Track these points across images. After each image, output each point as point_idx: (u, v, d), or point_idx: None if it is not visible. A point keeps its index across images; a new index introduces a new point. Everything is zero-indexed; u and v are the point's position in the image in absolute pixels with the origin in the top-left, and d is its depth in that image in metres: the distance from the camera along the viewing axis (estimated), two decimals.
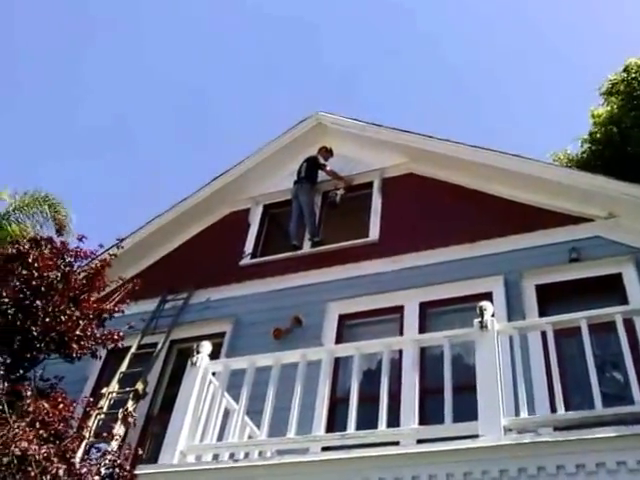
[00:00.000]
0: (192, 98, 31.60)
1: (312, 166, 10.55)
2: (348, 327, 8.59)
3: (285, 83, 32.06)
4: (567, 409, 5.18)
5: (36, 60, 28.56)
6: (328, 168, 10.49)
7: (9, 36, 26.68)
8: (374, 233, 9.58)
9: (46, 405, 5.30)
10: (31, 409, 5.19)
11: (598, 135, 15.59)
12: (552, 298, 7.68)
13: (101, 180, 30.81)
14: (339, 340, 8.29)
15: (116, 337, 6.51)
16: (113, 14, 28.73)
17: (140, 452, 6.51)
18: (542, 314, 7.27)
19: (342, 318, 8.64)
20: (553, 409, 5.37)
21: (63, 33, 28.76)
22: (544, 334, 5.76)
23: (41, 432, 5.03)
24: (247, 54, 31.51)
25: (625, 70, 15.57)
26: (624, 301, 7.08)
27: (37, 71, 29.13)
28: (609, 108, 15.72)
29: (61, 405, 5.47)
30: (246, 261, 10.17)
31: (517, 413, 5.29)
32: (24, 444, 4.80)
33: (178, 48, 30.17)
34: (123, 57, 30.11)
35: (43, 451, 4.81)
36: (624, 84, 15.37)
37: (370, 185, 10.28)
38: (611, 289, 7.48)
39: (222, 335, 8.99)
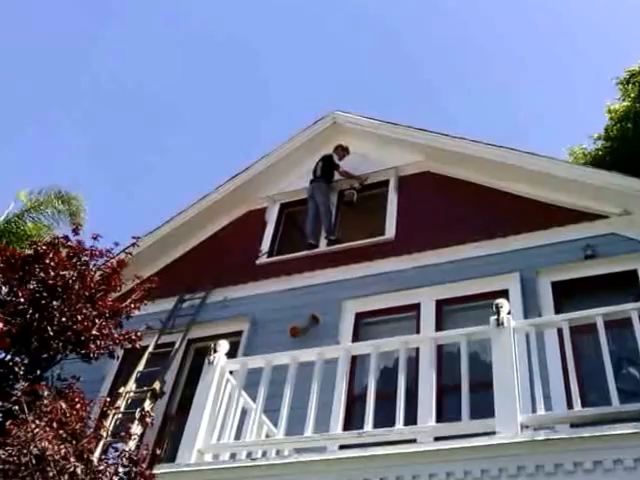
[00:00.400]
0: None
1: (328, 165, 10.57)
2: (364, 325, 8.61)
3: (301, 82, 32.09)
4: (584, 406, 5.18)
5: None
6: (341, 169, 10.52)
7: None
8: (390, 231, 9.58)
9: (64, 405, 5.33)
10: (49, 409, 5.22)
11: (613, 132, 15.52)
12: (568, 295, 7.66)
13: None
14: (356, 338, 8.30)
15: (134, 337, 6.52)
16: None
17: (158, 451, 6.55)
18: (558, 311, 7.26)
19: (359, 316, 8.65)
20: (570, 406, 5.35)
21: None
22: (560, 331, 5.75)
23: (60, 432, 5.07)
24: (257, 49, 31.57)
25: None
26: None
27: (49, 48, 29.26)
28: (626, 103, 15.64)
29: (78, 405, 5.50)
30: (263, 260, 10.20)
31: (534, 410, 5.29)
32: (44, 444, 4.84)
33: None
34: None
35: (62, 451, 4.85)
36: None
37: (386, 183, 10.29)
38: (626, 285, 7.43)
39: (239, 334, 9.02)
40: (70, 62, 29.76)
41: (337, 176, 10.58)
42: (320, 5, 30.73)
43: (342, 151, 10.72)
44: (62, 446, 4.89)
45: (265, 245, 10.40)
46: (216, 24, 30.55)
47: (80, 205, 15.41)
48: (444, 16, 31.15)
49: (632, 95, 15.53)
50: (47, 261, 6.34)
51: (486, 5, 30.70)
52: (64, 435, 5.09)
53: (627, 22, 29.02)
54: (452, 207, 9.34)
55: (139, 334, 6.68)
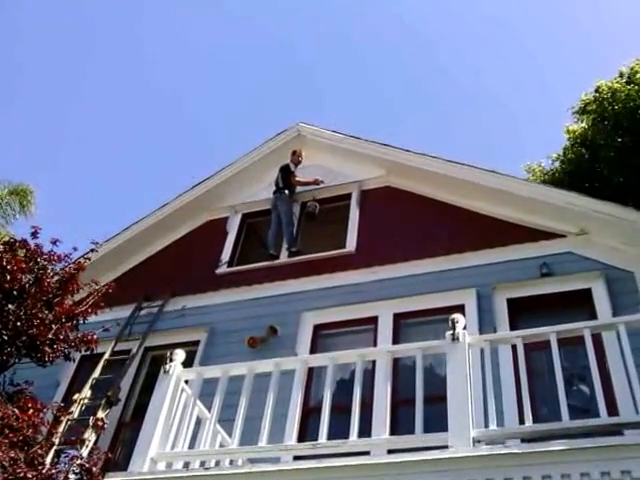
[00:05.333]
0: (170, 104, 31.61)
1: (286, 175, 10.60)
2: (323, 337, 8.63)
3: (268, 91, 32.15)
4: (535, 421, 5.25)
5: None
6: (295, 179, 10.55)
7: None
8: (351, 244, 9.64)
9: (15, 410, 5.26)
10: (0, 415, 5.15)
11: (571, 154, 15.92)
12: (523, 312, 7.78)
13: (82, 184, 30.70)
14: (313, 350, 8.32)
15: (89, 338, 6.48)
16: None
17: (111, 457, 6.49)
18: (513, 327, 7.38)
19: (317, 328, 8.67)
20: (522, 421, 5.43)
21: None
22: (514, 347, 5.83)
23: (10, 437, 4.99)
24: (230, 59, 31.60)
25: (596, 91, 15.89)
26: (593, 316, 7.20)
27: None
28: (584, 125, 16.04)
29: (31, 410, 5.42)
30: (223, 269, 10.18)
31: (486, 424, 5.35)
32: None
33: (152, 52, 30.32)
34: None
35: (12, 455, 4.78)
36: (595, 104, 15.69)
37: (348, 197, 10.35)
38: (581, 304, 7.59)
39: (197, 343, 8.99)
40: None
41: (299, 188, 10.61)
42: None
43: (293, 156, 10.76)
44: (12, 452, 4.82)
45: (225, 255, 10.38)
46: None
47: (31, 198, 15.09)
48: (403, 30, 31.58)
49: (588, 123, 15.93)
50: (3, 263, 6.27)
51: (450, 25, 31.19)
52: (15, 440, 5.02)
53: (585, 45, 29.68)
54: (412, 222, 9.44)
55: (96, 337, 6.65)
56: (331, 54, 32.51)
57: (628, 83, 15.44)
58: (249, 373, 6.26)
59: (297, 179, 10.52)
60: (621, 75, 15.84)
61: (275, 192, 10.56)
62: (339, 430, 5.73)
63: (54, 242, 6.94)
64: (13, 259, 6.33)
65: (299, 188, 10.61)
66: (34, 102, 30.41)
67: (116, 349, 9.08)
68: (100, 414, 7.47)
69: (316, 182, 10.50)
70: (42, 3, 27.72)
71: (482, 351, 5.79)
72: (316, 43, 32.24)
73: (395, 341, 7.85)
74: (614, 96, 15.30)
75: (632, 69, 15.73)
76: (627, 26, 27.49)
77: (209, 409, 6.25)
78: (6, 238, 7.35)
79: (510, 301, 7.89)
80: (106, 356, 8.84)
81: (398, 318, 8.28)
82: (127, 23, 30.15)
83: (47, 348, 6.03)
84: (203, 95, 32.26)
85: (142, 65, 31.28)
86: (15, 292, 6.15)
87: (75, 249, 7.13)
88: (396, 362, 6.62)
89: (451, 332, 5.68)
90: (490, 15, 30.85)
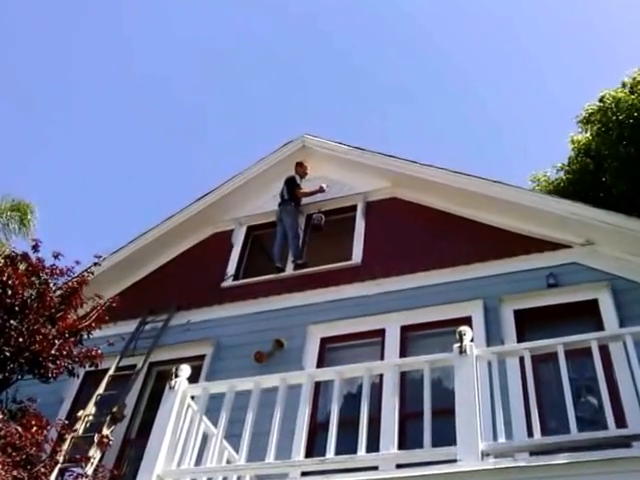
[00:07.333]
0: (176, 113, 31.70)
1: (292, 187, 10.59)
2: (330, 350, 8.58)
3: (271, 102, 32.24)
4: (544, 434, 5.20)
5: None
6: (300, 191, 10.54)
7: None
8: (357, 256, 9.60)
9: (19, 429, 5.20)
10: (2, 433, 5.08)
11: (575, 164, 15.93)
12: (530, 323, 7.73)
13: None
14: (320, 363, 8.28)
15: (94, 354, 6.42)
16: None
17: (116, 475, 6.44)
18: (520, 339, 7.35)
19: (324, 341, 8.63)
20: (530, 434, 5.37)
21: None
22: (522, 359, 5.78)
23: (13, 455, 4.94)
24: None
25: (600, 100, 15.88)
26: (600, 326, 7.15)
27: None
28: (588, 135, 16.05)
29: (34, 428, 5.37)
30: (228, 283, 10.15)
31: (495, 437, 5.30)
32: None
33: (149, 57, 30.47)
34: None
35: (15, 474, 4.73)
36: (600, 114, 15.69)
37: (354, 208, 10.33)
38: (587, 315, 7.54)
39: (202, 358, 8.94)
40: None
41: (304, 200, 10.59)
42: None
43: (298, 167, 10.77)
44: (15, 471, 4.77)
45: (231, 268, 10.35)
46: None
47: (30, 213, 15.07)
48: (403, 37, 31.69)
49: (592, 133, 15.93)
50: (4, 278, 6.21)
51: (454, 36, 31.26)
52: (18, 459, 4.97)
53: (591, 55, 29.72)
54: (418, 233, 9.41)
55: (100, 352, 6.59)
56: (331, 59, 32.52)
57: (631, 93, 15.43)
58: (255, 388, 6.21)
59: (302, 191, 10.52)
60: (624, 85, 15.84)
61: (280, 204, 10.56)
62: (347, 445, 5.67)
63: (56, 256, 6.88)
64: (14, 273, 6.28)
65: (305, 199, 10.59)
66: (32, 102, 30.49)
67: (121, 364, 9.03)
68: (105, 431, 7.41)
69: (321, 189, 10.48)
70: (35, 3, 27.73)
71: (490, 363, 5.73)
72: (316, 45, 32.26)
73: (402, 354, 7.80)
74: (618, 106, 15.29)
75: (634, 79, 15.72)
76: (630, 35, 27.55)
77: (215, 425, 6.20)
78: (7, 251, 7.28)
79: (517, 312, 7.85)
80: (111, 372, 8.79)
81: (405, 331, 8.23)
82: (127, 26, 30.22)
83: (50, 364, 5.99)
84: (205, 102, 32.26)
85: (143, 70, 31.34)
86: (17, 307, 6.11)
87: (78, 263, 7.10)
88: (403, 375, 6.56)
89: (458, 345, 5.64)
90: (495, 24, 30.91)
